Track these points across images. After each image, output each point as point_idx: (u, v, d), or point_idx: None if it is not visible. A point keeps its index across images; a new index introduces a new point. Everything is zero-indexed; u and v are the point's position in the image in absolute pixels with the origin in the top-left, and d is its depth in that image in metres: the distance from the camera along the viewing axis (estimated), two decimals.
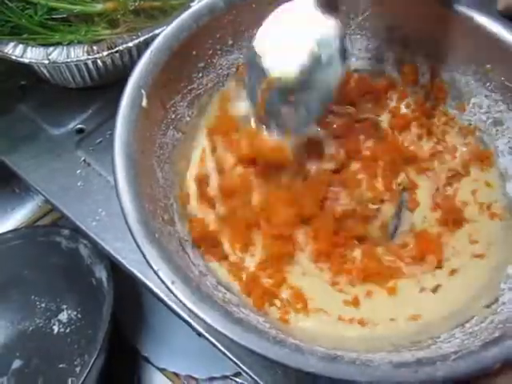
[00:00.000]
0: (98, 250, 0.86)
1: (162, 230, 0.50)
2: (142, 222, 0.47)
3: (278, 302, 0.53)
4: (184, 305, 0.43)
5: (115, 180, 0.50)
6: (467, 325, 0.47)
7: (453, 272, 0.55)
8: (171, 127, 0.60)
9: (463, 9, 0.60)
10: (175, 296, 0.43)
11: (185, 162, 0.61)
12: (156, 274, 0.45)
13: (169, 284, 0.44)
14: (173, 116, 0.60)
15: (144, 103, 0.55)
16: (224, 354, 0.59)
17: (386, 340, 0.49)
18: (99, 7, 0.73)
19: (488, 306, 0.50)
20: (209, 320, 0.42)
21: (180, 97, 0.61)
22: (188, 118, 0.62)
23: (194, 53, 0.62)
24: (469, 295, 0.53)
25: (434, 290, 0.55)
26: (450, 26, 0.62)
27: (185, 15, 0.60)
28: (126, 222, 0.47)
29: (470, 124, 0.64)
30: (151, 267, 0.45)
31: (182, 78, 0.61)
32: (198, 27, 0.61)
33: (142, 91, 0.55)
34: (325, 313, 0.53)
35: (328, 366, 0.40)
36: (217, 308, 0.44)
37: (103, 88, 0.80)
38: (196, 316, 0.43)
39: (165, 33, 0.59)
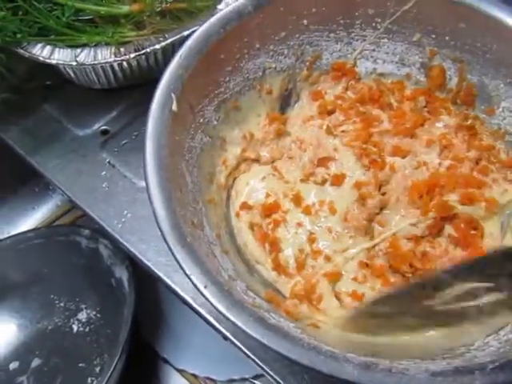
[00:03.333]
0: (118, 251, 0.86)
1: (193, 233, 0.50)
2: (174, 225, 0.47)
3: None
4: (217, 310, 0.43)
5: (147, 184, 0.50)
6: (501, 332, 0.47)
7: None
8: (199, 131, 0.60)
9: (494, 12, 0.60)
10: (208, 301, 0.43)
11: (212, 167, 0.62)
12: (189, 278, 0.45)
13: (201, 288, 0.44)
14: (201, 120, 0.60)
15: (174, 107, 0.55)
16: (250, 358, 0.58)
17: (417, 347, 0.49)
18: (125, 9, 0.73)
19: None
20: (243, 326, 0.42)
21: (208, 101, 0.61)
22: (215, 122, 0.63)
23: (222, 56, 0.62)
24: None
25: None
26: (480, 29, 0.62)
27: (213, 19, 0.60)
28: (159, 226, 0.47)
29: (500, 128, 0.63)
30: (184, 271, 0.45)
31: (210, 82, 0.62)
32: (225, 31, 0.61)
33: (172, 95, 0.55)
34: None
35: (363, 373, 0.40)
36: (250, 313, 0.44)
37: (127, 89, 0.80)
38: (230, 321, 0.42)
39: (194, 37, 0.59)
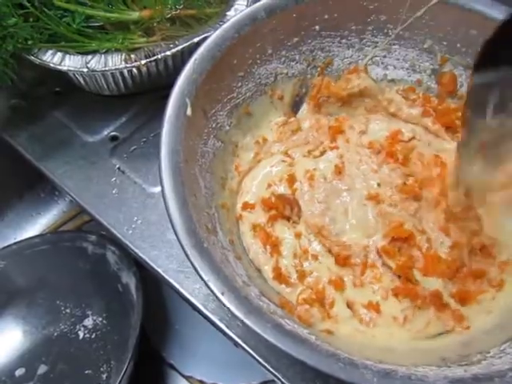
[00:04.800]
0: (125, 257, 0.86)
1: (208, 239, 0.50)
2: (191, 231, 0.47)
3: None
4: (235, 317, 0.43)
5: (162, 189, 0.50)
6: None
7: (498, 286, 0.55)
8: (212, 136, 0.60)
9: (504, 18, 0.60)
10: (226, 307, 0.43)
11: (224, 172, 0.62)
12: (206, 284, 0.45)
13: (219, 295, 0.44)
14: (213, 125, 0.61)
15: (188, 112, 0.55)
16: (262, 365, 0.58)
17: (433, 353, 0.49)
18: (135, 15, 0.73)
19: None
20: (261, 332, 0.42)
21: (220, 106, 0.62)
22: (227, 127, 0.63)
23: (235, 62, 0.62)
24: None
25: None
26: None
27: (227, 25, 0.61)
28: (175, 232, 0.47)
29: None
30: (201, 277, 0.45)
31: (223, 87, 0.62)
32: (239, 37, 0.61)
33: (187, 100, 0.55)
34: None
35: (383, 380, 0.40)
36: (267, 320, 0.43)
37: (137, 96, 0.80)
38: (248, 328, 0.42)
39: (208, 42, 0.59)
